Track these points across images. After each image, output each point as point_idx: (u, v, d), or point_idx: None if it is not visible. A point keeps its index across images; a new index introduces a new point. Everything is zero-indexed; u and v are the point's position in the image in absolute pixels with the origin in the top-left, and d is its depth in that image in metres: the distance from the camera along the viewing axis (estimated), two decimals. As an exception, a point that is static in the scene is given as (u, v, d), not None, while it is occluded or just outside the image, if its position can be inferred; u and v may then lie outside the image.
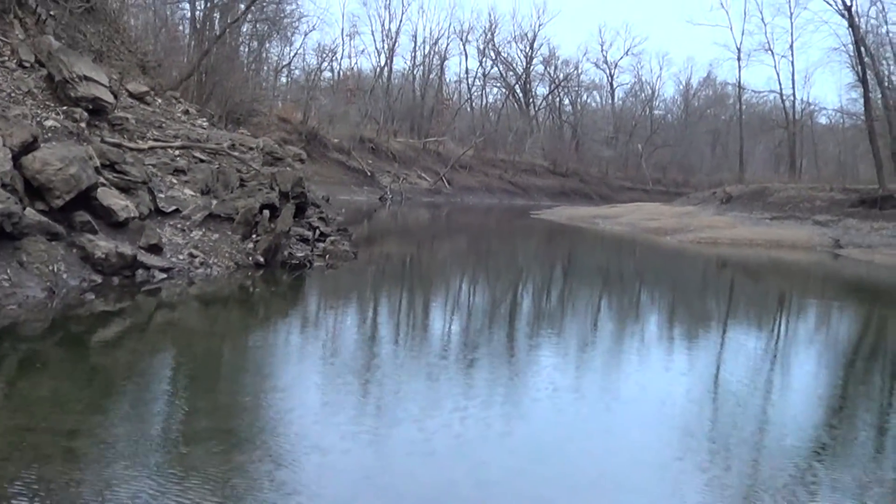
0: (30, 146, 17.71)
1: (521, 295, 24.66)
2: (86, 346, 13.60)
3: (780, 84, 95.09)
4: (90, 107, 22.89)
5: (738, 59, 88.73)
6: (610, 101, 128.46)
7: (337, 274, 22.84)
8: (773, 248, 43.48)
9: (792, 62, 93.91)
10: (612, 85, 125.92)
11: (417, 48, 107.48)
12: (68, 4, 27.08)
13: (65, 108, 22.28)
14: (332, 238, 25.90)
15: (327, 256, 23.77)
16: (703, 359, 16.08)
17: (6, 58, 23.06)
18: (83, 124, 21.86)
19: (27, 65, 23.34)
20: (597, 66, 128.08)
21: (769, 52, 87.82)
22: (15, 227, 15.75)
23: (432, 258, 34.53)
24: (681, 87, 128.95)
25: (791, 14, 79.93)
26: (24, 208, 16.42)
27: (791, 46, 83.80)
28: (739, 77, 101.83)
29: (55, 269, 15.97)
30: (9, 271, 15.02)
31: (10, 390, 10.66)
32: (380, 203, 67.61)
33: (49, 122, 20.71)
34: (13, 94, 21.54)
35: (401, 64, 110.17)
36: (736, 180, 73.78)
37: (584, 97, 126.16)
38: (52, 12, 26.42)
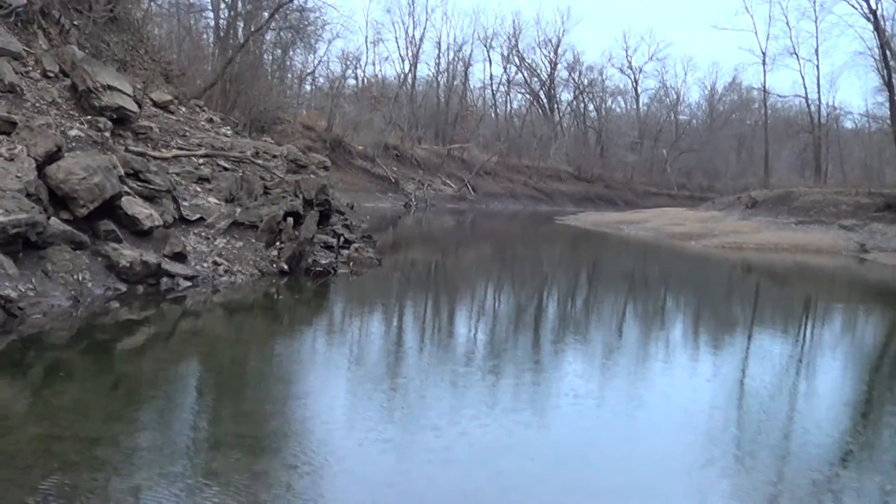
0: (54, 156, 17.83)
1: (545, 301, 24.60)
2: (110, 354, 13.66)
3: (805, 88, 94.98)
4: (114, 116, 23.02)
5: (763, 63, 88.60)
6: (634, 107, 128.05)
7: (361, 281, 22.86)
8: (799, 252, 43.24)
9: (817, 66, 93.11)
10: (636, 90, 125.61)
11: (441, 55, 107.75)
12: (92, 14, 27.25)
13: (89, 117, 22.41)
14: (356, 245, 25.91)
15: (351, 263, 23.80)
16: (728, 364, 15.98)
17: (31, 68, 23.20)
18: (107, 133, 21.98)
19: (51, 75, 23.48)
20: (621, 71, 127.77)
21: (794, 56, 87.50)
22: (40, 237, 15.85)
23: (457, 265, 34.51)
24: (706, 91, 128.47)
25: (816, 18, 79.73)
26: (49, 218, 16.52)
27: (816, 50, 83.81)
28: (764, 81, 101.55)
29: (80, 278, 16.05)
30: (34, 280, 15.10)
31: (35, 398, 10.73)
32: (404, 210, 67.59)
33: (73, 132, 20.82)
34: (37, 105, 21.67)
35: (425, 70, 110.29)
36: (761, 185, 73.43)
37: (609, 102, 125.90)
38: (75, 22, 26.59)
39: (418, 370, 13.87)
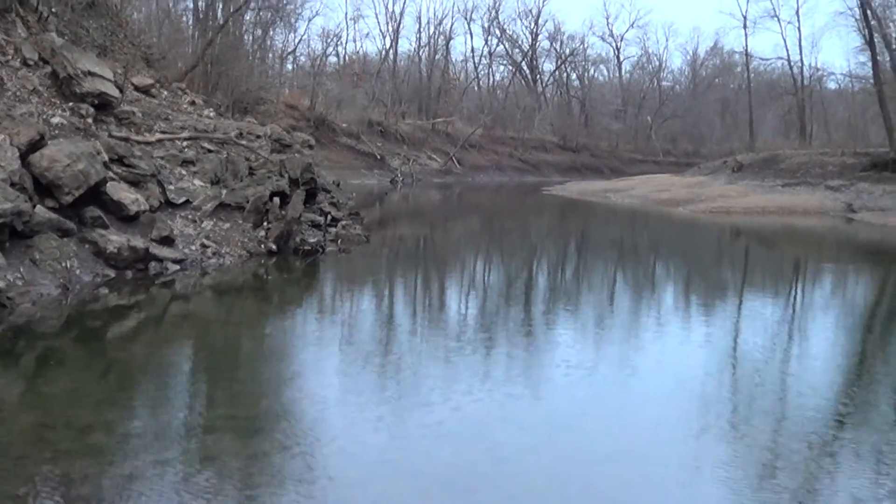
0: (37, 144, 17.73)
1: (534, 272, 24.64)
2: (101, 340, 13.66)
3: (787, 50, 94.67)
4: (96, 102, 22.89)
5: (745, 26, 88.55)
6: (617, 75, 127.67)
7: (350, 258, 22.85)
8: (786, 215, 43.36)
9: (798, 28, 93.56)
10: (618, 58, 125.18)
11: (422, 29, 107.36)
12: (70, 1, 27.05)
13: (71, 104, 22.28)
14: (343, 223, 25.89)
15: (339, 241, 23.77)
16: (719, 329, 16.03)
17: (10, 56, 23.02)
18: (90, 120, 21.88)
19: (31, 63, 23.31)
20: (603, 39, 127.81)
21: (775, 18, 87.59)
22: (26, 226, 15.77)
23: (445, 239, 34.52)
24: (688, 57, 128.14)
25: (797, -21, 79.31)
26: (35, 206, 16.44)
27: (797, 12, 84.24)
28: (746, 45, 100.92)
29: (68, 266, 16.00)
30: (22, 269, 15.05)
31: (27, 387, 10.75)
32: (391, 186, 67.50)
33: (56, 119, 20.71)
34: (18, 93, 21.53)
35: (406, 46, 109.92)
36: (746, 149, 73.52)
37: (592, 71, 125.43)
38: (53, 9, 26.40)
39: (409, 346, 13.90)
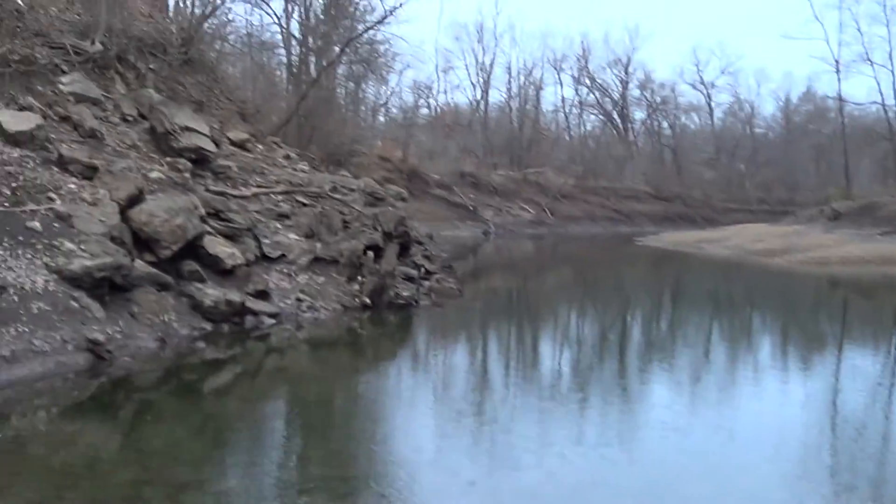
0: (136, 199, 18.09)
1: (628, 325, 24.36)
2: (198, 394, 13.80)
3: (881, 95, 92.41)
4: (193, 157, 23.29)
5: (837, 71, 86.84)
6: (709, 122, 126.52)
7: (443, 312, 22.80)
8: (886, 264, 42.31)
9: (892, 72, 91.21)
10: (710, 105, 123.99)
11: (512, 79, 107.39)
12: (167, 58, 27.65)
13: (168, 159, 22.68)
14: (437, 276, 25.89)
15: (433, 294, 23.77)
16: (820, 387, 15.65)
17: (109, 112, 23.58)
18: (187, 174, 22.22)
19: (130, 118, 23.86)
20: (693, 87, 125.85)
21: (868, 62, 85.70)
22: (125, 280, 16.04)
23: (538, 291, 34.34)
24: (780, 103, 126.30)
25: (888, 22, 78.02)
26: (134, 260, 16.73)
27: (890, 55, 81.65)
28: (839, 90, 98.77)
29: (166, 319, 16.19)
30: (121, 323, 15.27)
31: (124, 442, 10.86)
32: (483, 237, 67.49)
33: (154, 174, 21.07)
34: (118, 148, 21.99)
35: (497, 96, 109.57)
36: (842, 196, 72.16)
37: (683, 119, 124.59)
38: (151, 66, 26.99)
39: (503, 404, 13.78)
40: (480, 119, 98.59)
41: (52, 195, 17.75)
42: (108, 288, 15.65)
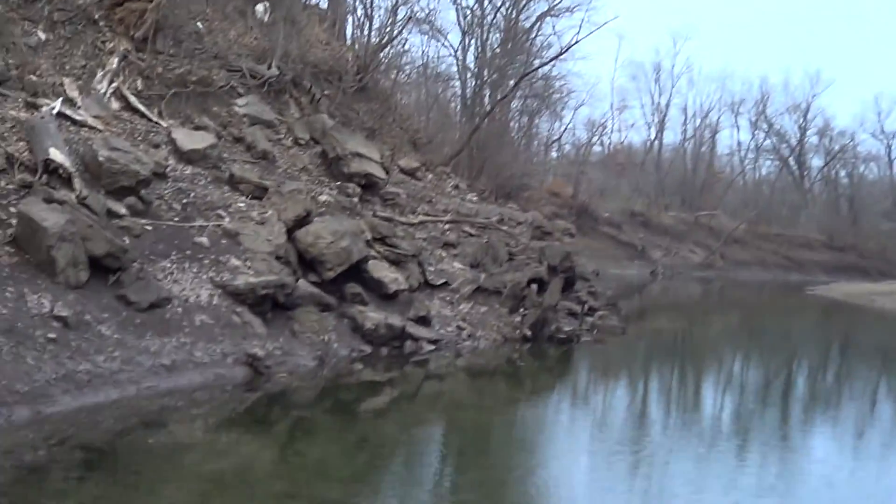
0: (303, 220, 18.28)
1: (793, 375, 23.45)
2: (353, 414, 13.76)
3: None
4: (362, 182, 23.51)
5: None
6: (888, 173, 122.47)
7: (605, 349, 22.37)
8: None
9: None
10: (889, 156, 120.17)
11: (688, 121, 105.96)
12: (342, 84, 28.05)
13: (338, 183, 22.95)
14: (600, 313, 25.48)
15: (595, 331, 23.37)
16: None
17: (283, 136, 24.04)
18: (355, 199, 22.44)
19: (302, 142, 24.26)
20: (874, 136, 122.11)
21: None
22: (288, 298, 16.21)
23: (704, 335, 33.47)
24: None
25: None
26: (298, 280, 16.88)
27: None
28: None
29: (326, 339, 16.25)
30: (281, 340, 15.39)
31: (276, 455, 10.89)
32: (651, 278, 66.47)
33: (323, 197, 21.32)
34: (289, 171, 22.37)
35: (671, 137, 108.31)
36: None
37: (861, 169, 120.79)
38: (326, 92, 27.42)
39: (659, 446, 13.29)
40: (654, 159, 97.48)
41: (221, 212, 18.12)
42: (270, 305, 15.84)
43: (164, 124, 20.72)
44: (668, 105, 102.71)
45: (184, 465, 10.06)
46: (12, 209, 14.21)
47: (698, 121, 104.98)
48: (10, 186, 15.00)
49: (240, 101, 23.68)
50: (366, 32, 37.00)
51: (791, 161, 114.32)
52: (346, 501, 9.16)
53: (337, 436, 12.09)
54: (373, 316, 17.55)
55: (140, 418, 11.67)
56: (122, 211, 15.91)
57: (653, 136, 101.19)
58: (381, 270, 19.25)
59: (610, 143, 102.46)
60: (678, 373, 22.11)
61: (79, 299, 13.21)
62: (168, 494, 8.89)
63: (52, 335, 12.12)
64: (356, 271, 18.49)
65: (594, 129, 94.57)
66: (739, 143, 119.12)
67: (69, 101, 18.93)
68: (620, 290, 42.21)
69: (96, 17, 22.06)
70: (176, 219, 16.90)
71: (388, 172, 25.24)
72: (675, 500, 10.01)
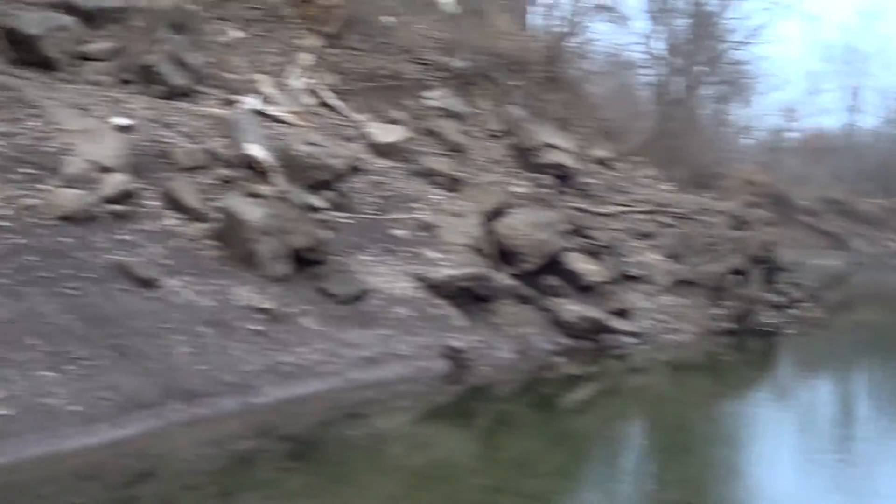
0: (499, 212, 18.25)
1: None
2: (554, 408, 13.67)
3: None
4: (555, 173, 23.31)
5: None
6: None
7: (810, 342, 21.50)
8: None
9: None
10: None
11: (885, 103, 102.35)
12: (530, 75, 27.85)
13: (532, 174, 22.77)
14: (803, 304, 24.55)
15: (799, 324, 22.49)
16: None
17: (473, 128, 23.99)
18: (549, 190, 22.21)
19: (494, 134, 24.17)
20: None
21: None
22: (486, 291, 16.14)
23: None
24: None
25: None
26: (496, 272, 16.74)
27: None
28: None
29: (525, 332, 16.11)
30: (481, 333, 15.32)
31: (478, 449, 10.94)
32: (852, 267, 64.34)
33: (517, 189, 21.21)
34: (482, 163, 22.32)
35: (868, 121, 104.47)
36: None
37: None
38: (515, 83, 27.24)
39: (872, 445, 12.56)
40: (851, 144, 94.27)
41: (417, 205, 18.23)
42: (469, 298, 15.78)
43: (357, 119, 20.91)
44: (862, 88, 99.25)
45: (387, 457, 10.15)
46: (215, 204, 14.52)
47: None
48: (212, 182, 15.39)
49: (430, 94, 23.75)
50: (551, 22, 36.70)
51: None
52: (552, 496, 9.07)
53: (538, 430, 11.96)
54: (572, 308, 17.28)
55: (343, 410, 11.85)
56: (320, 204, 16.13)
57: (848, 120, 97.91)
58: (578, 262, 18.96)
59: (804, 129, 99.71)
60: (889, 368, 21.08)
61: (281, 292, 13.51)
62: (372, 486, 8.97)
63: (256, 327, 12.44)
64: (553, 263, 18.27)
65: (787, 115, 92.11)
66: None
67: (264, 98, 19.33)
68: (821, 280, 40.80)
69: (287, 14, 22.50)
70: (372, 212, 17.02)
71: (580, 163, 24.91)
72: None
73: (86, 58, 17.51)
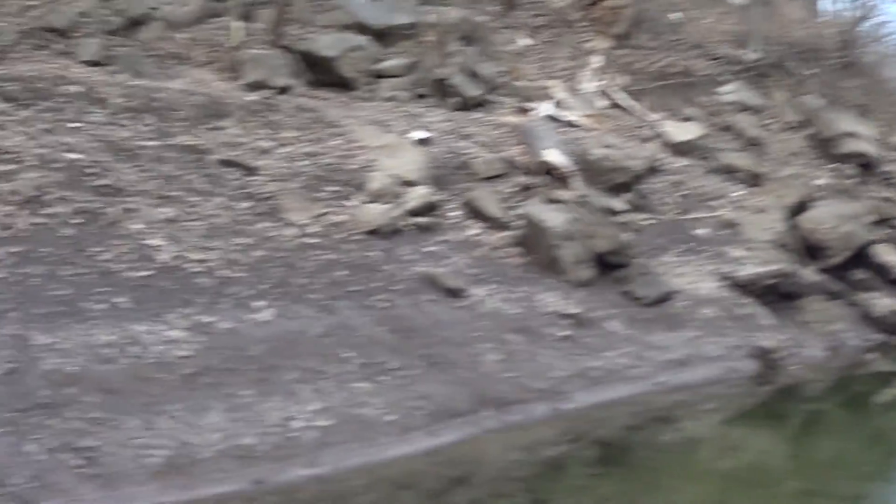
0: (802, 206, 17.91)
1: None
2: (868, 407, 13.38)
3: None
4: (857, 162, 22.51)
5: None
6: None
7: None
8: None
9: None
10: None
11: None
12: (825, 63, 27.02)
13: (832, 165, 22.12)
14: None
15: None
16: None
17: (770, 120, 23.47)
18: (852, 180, 21.53)
19: (791, 125, 23.57)
20: None
21: None
22: (792, 288, 15.82)
23: None
24: None
25: None
26: (802, 268, 16.45)
27: None
28: None
29: (835, 329, 15.69)
30: (789, 331, 15.02)
31: (791, 452, 10.83)
32: None
33: (818, 181, 20.64)
34: (780, 156, 21.81)
35: None
36: None
37: None
38: (810, 72, 26.49)
39: None
40: None
41: (717, 203, 18.04)
42: (775, 295, 15.52)
43: (651, 118, 20.88)
44: None
45: (698, 461, 10.21)
46: (516, 212, 14.86)
47: None
48: (512, 190, 15.73)
49: (723, 89, 23.37)
50: (843, 6, 35.45)
51: None
52: (870, 500, 8.86)
53: (853, 430, 11.74)
54: (883, 302, 16.71)
55: (651, 414, 11.88)
56: (620, 207, 16.22)
57: None
58: (887, 254, 18.32)
59: None
60: None
61: (586, 297, 13.61)
62: (684, 491, 9.02)
63: (563, 333, 12.57)
64: (859, 256, 17.72)
65: None
66: None
67: (557, 103, 19.56)
68: None
69: (574, 18, 22.68)
70: (673, 212, 17.01)
71: (883, 150, 24.02)
72: None
73: (380, 75, 18.18)
